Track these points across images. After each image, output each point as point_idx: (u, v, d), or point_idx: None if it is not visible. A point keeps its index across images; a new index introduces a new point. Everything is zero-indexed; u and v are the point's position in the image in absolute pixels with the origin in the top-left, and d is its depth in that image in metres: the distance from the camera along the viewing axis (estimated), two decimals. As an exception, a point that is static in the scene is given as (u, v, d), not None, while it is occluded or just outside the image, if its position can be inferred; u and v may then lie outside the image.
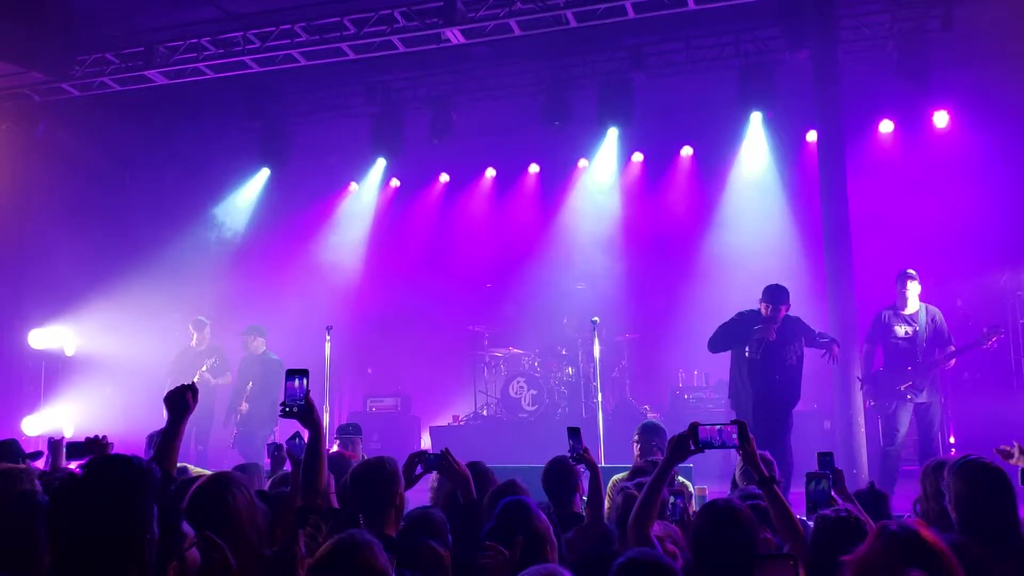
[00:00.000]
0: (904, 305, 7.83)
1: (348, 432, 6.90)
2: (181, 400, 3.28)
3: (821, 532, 3.16)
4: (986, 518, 3.16)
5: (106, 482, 2.14)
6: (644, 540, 3.09)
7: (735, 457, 4.64)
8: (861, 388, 8.10)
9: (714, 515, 3.05)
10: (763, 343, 7.11)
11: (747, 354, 7.21)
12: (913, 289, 7.79)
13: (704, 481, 6.90)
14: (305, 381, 3.32)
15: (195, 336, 10.04)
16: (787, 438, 7.03)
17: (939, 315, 7.89)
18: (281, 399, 3.35)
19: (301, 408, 3.28)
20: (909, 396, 7.62)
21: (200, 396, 3.40)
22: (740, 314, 7.37)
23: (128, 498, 2.12)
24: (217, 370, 9.81)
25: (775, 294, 7.10)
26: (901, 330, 7.82)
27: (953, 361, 7.83)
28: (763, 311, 7.12)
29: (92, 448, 4.27)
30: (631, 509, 3.47)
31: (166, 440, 3.24)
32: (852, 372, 8.37)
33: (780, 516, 3.33)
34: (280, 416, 3.38)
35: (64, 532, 2.07)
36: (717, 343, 7.43)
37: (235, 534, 2.80)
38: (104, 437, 4.35)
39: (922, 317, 7.80)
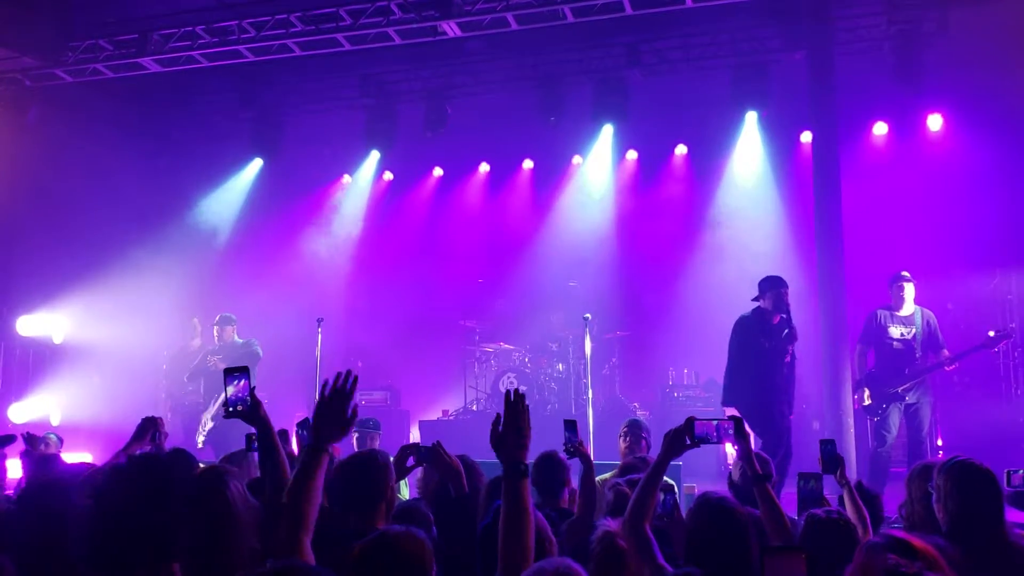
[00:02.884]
0: (900, 307, 7.83)
1: (368, 427, 6.40)
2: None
3: (809, 532, 3.16)
4: (974, 518, 3.17)
5: (149, 479, 2.23)
6: (640, 537, 3.07)
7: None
8: (855, 389, 8.08)
9: (708, 511, 3.04)
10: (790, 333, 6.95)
11: (767, 346, 6.91)
12: (909, 291, 7.79)
13: (693, 479, 6.92)
14: (247, 380, 3.20)
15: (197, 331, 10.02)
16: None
17: (933, 318, 7.89)
18: (224, 400, 3.25)
19: (247, 407, 3.18)
20: (907, 397, 7.63)
21: None
22: (741, 320, 7.11)
23: (164, 495, 2.20)
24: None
25: (774, 281, 6.99)
26: (897, 332, 7.81)
27: (956, 365, 7.75)
28: (769, 303, 6.94)
29: None
30: (623, 506, 3.46)
31: None
32: (842, 372, 8.38)
33: (770, 514, 3.33)
34: (224, 417, 3.29)
35: (106, 527, 2.14)
36: (734, 389, 7.02)
37: (232, 525, 2.82)
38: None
39: (918, 320, 7.80)
